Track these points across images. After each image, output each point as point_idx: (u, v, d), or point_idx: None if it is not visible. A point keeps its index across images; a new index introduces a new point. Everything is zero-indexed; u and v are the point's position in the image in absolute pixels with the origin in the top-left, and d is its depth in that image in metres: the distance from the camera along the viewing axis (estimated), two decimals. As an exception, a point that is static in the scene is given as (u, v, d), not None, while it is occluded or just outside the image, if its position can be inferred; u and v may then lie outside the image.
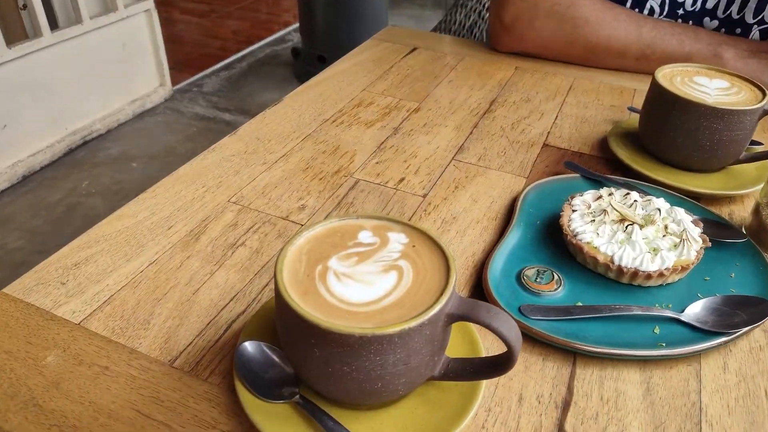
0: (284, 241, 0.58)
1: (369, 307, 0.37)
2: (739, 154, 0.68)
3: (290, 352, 0.40)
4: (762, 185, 0.64)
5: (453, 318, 0.38)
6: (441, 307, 0.37)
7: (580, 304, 0.51)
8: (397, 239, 0.43)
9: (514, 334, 0.37)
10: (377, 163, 0.71)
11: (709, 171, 0.70)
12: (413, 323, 0.35)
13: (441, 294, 0.37)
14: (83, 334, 0.47)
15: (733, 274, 0.55)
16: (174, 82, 2.93)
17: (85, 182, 2.31)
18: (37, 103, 2.31)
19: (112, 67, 2.59)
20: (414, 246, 0.42)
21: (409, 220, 0.61)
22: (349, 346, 0.35)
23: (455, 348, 0.44)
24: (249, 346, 0.43)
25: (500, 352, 0.40)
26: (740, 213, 0.66)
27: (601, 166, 0.73)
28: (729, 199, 0.67)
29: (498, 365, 0.39)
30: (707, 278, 0.54)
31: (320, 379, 0.38)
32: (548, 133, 0.79)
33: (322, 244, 0.42)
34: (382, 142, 0.76)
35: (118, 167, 2.41)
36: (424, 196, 0.66)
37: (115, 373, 0.44)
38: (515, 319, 0.48)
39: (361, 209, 0.63)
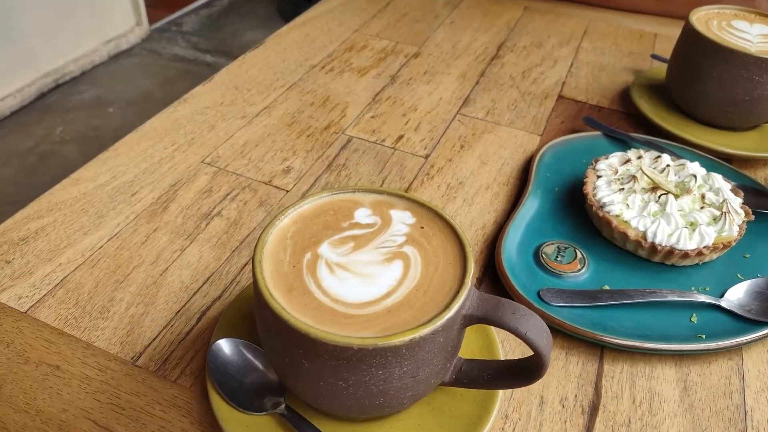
0: (267, 211, 0.50)
1: (369, 308, 0.30)
2: (779, 110, 0.61)
3: (274, 360, 0.33)
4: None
5: (472, 320, 0.31)
6: (457, 309, 0.30)
7: (606, 287, 0.44)
8: (402, 219, 0.35)
9: (545, 341, 0.31)
10: (372, 117, 0.63)
11: (743, 129, 0.63)
12: (424, 331, 0.28)
13: (457, 291, 0.31)
14: (30, 325, 0.40)
15: (776, 251, 0.49)
16: (151, 21, 2.75)
17: (59, 129, 2.18)
18: (4, 44, 2.15)
19: (85, 4, 2.41)
20: (422, 228, 0.35)
21: (410, 187, 0.54)
22: (346, 359, 0.28)
23: (467, 345, 0.38)
24: (225, 345, 0.36)
25: (523, 353, 0.34)
26: (778, 177, 0.59)
27: (622, 121, 0.65)
28: (764, 162, 0.60)
29: (523, 373, 0.33)
30: (747, 255, 0.48)
31: (310, 393, 0.32)
32: (563, 83, 0.71)
33: (310, 225, 0.35)
34: (378, 93, 0.67)
35: (94, 112, 2.28)
36: (426, 156, 0.58)
37: (67, 373, 0.38)
38: (538, 310, 0.41)
39: (355, 173, 0.55)
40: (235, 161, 0.56)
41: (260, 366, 0.36)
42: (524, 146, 0.60)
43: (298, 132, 0.60)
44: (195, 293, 0.43)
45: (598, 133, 0.60)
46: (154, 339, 0.40)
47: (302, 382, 0.31)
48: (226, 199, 0.51)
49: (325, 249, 0.33)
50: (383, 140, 0.60)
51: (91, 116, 2.30)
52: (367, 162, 0.57)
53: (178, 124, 0.60)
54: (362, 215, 0.36)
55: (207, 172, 0.54)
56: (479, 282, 0.46)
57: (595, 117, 0.65)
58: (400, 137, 0.60)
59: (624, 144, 0.59)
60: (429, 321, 0.29)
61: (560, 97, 0.68)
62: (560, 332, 0.41)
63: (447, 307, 0.30)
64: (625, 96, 0.69)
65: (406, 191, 0.52)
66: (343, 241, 0.34)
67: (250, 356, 0.36)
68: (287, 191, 0.53)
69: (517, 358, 0.34)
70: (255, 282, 0.31)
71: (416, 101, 0.66)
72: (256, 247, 0.32)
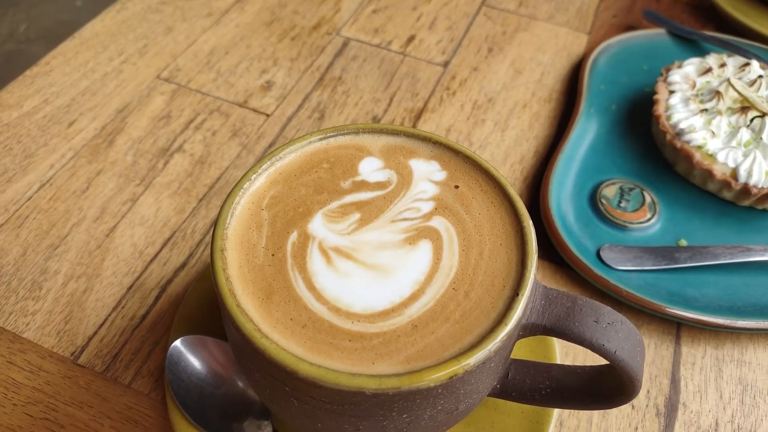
0: (243, 143, 0.39)
1: (387, 321, 0.20)
2: None
3: (254, 387, 0.24)
4: None
5: (535, 330, 0.22)
6: (517, 320, 0.20)
7: (684, 242, 0.35)
8: (427, 173, 0.25)
9: (639, 361, 0.21)
10: (374, 12, 0.50)
11: (842, 21, 0.50)
12: (471, 360, 0.19)
13: (516, 290, 0.21)
14: (-63, 309, 0.31)
15: None
16: None
17: (23, 26, 1.98)
18: (-55, -77, 1.88)
19: None
20: (456, 187, 0.24)
21: (426, 107, 0.42)
22: (355, 404, 0.19)
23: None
24: (187, 346, 0.27)
25: (597, 359, 0.25)
26: None
27: (686, 16, 0.52)
28: None
29: (598, 392, 0.24)
30: None
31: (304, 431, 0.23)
32: (612, -37, 0.56)
33: (296, 186, 0.24)
34: (380, -20, 0.53)
35: (60, 5, 2.06)
36: (445, 64, 0.46)
37: (-14, 378, 0.29)
38: (598, 278, 0.32)
39: (354, 88, 0.43)
40: (199, 75, 0.43)
41: (236, 377, 0.27)
42: (568, 48, 0.48)
43: (280, 33, 0.47)
44: (152, 260, 0.33)
45: (661, 30, 0.48)
46: (101, 326, 0.30)
47: (293, 419, 0.22)
48: (190, 127, 0.40)
49: (318, 225, 0.23)
50: (389, 43, 0.47)
51: (58, 10, 2.08)
52: (370, 73, 0.44)
53: (127, 26, 0.47)
54: (370, 169, 0.25)
55: (164, 90, 0.42)
56: (518, 236, 0.36)
57: (654, 9, 0.52)
58: (411, 39, 0.47)
59: (695, 46, 0.47)
60: (477, 344, 0.19)
61: (610, -18, 0.54)
62: (625, 304, 0.32)
63: (502, 319, 0.20)
64: (692, -21, 0.55)
65: (421, 111, 0.41)
66: (344, 212, 0.23)
67: (222, 360, 0.27)
68: (268, 115, 0.41)
69: (585, 364, 0.25)
70: (215, 283, 0.20)
71: (429, -10, 0.52)
72: (215, 226, 0.22)
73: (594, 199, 0.36)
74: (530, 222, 0.23)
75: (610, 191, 0.36)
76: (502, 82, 0.44)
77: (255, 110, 0.41)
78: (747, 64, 0.41)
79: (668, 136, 0.36)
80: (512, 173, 0.39)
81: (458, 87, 0.44)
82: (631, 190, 0.36)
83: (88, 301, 0.31)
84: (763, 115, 0.36)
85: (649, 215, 0.35)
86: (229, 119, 0.41)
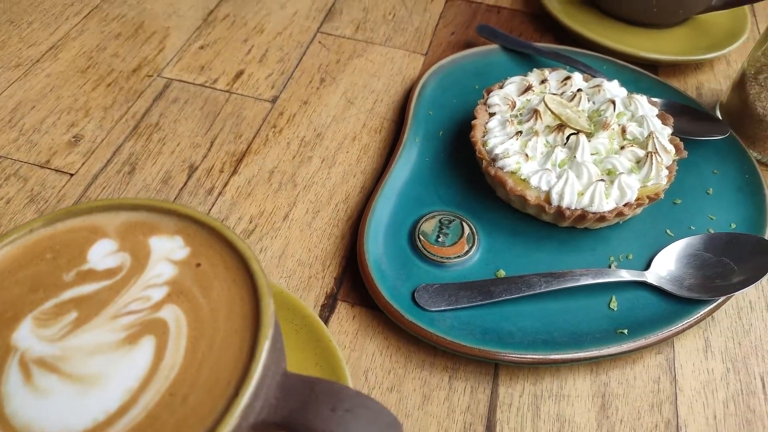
0: (39, 210, 0.36)
1: (83, 446, 0.18)
2: (711, -2, 0.49)
3: None
4: (745, 46, 0.46)
5: (269, 428, 0.20)
6: (235, 425, 0.18)
7: (502, 272, 0.34)
8: (167, 252, 0.22)
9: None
10: (201, 48, 0.47)
11: (670, 25, 0.51)
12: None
13: (238, 387, 0.19)
14: None
15: (710, 190, 0.39)
16: None
17: None
18: None
19: None
20: (198, 265, 0.22)
21: (249, 148, 0.40)
22: None
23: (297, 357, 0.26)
24: None
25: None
26: (711, 84, 0.48)
27: (525, 26, 0.52)
28: (695, 66, 0.49)
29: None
30: (678, 201, 0.38)
31: None
32: (454, -22, 0.56)
33: (8, 286, 0.21)
34: (211, 12, 0.50)
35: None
36: (274, 100, 0.43)
37: None
38: (409, 323, 0.30)
39: (172, 135, 0.41)
40: (-3, 136, 0.40)
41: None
42: (403, 72, 0.46)
43: (95, 80, 0.44)
44: None
45: (495, 46, 0.47)
46: None
47: None
48: (-22, 198, 0.36)
49: (25, 332, 0.20)
50: (215, 81, 0.44)
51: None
52: (191, 116, 0.42)
53: None
54: (102, 254, 0.22)
55: (-47, 157, 0.38)
56: (337, 284, 0.34)
57: (492, 23, 0.51)
58: (239, 74, 0.45)
59: (528, 60, 0.47)
60: (179, 464, 0.17)
61: (450, -3, 0.54)
62: (443, 350, 0.31)
63: (216, 426, 0.18)
64: (530, -10, 0.55)
65: (244, 154, 0.39)
66: (59, 312, 0.21)
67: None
68: (72, 175, 0.38)
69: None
70: None
71: (263, 19, 0.50)
72: None
73: (413, 236, 0.35)
74: (269, 301, 0.21)
75: (429, 226, 0.35)
76: (332, 115, 0.43)
77: (57, 170, 0.38)
78: (569, 78, 0.40)
79: (484, 163, 0.36)
80: (336, 214, 0.37)
81: (286, 124, 0.42)
82: (450, 222, 0.35)
83: None
84: (578, 132, 0.36)
85: (467, 247, 0.34)
86: (27, 183, 0.37)
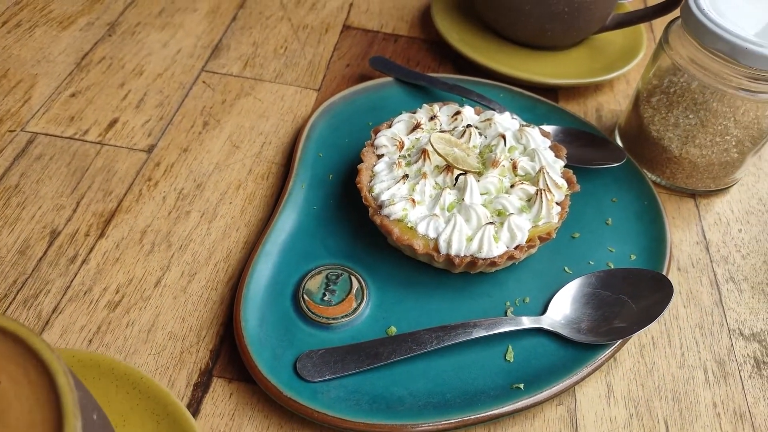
0: None
1: None
2: (605, 18, 0.48)
3: None
4: (642, 63, 0.46)
5: None
6: None
7: (394, 330, 0.31)
8: (-43, 369, 0.19)
9: None
10: (73, 96, 0.43)
11: (566, 47, 0.50)
12: None
13: None
14: None
15: (609, 221, 0.38)
16: None
17: None
18: None
19: None
20: (-5, 383, 0.19)
21: (120, 207, 0.36)
22: None
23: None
24: None
25: None
26: (610, 105, 0.48)
27: (423, 54, 0.50)
28: (595, 88, 0.49)
29: None
30: (576, 235, 0.37)
31: None
32: (350, 5, 0.54)
33: None
34: (86, 54, 0.47)
35: None
36: (150, 149, 0.40)
37: None
38: (289, 401, 0.27)
39: (33, 198, 0.37)
40: None
41: None
42: (295, 110, 0.44)
43: (-55, 140, 0.39)
44: None
45: (389, 79, 0.45)
46: None
47: None
48: None
49: None
50: (85, 132, 0.41)
51: None
52: (56, 174, 0.38)
53: None
54: None
55: None
56: (213, 358, 0.31)
57: (389, 52, 0.50)
58: (113, 123, 0.41)
59: (424, 93, 0.45)
60: None
61: (346, 27, 0.52)
62: (327, 427, 0.28)
63: None
64: (426, 18, 0.53)
65: (113, 213, 0.35)
66: None
67: None
68: None
69: None
70: None
71: (143, 60, 0.46)
72: None
73: (297, 296, 0.32)
74: (76, 424, 0.17)
75: (314, 283, 0.32)
76: (215, 162, 0.40)
77: None
78: (459, 112, 0.39)
79: (371, 211, 0.33)
80: (215, 275, 0.34)
81: (162, 175, 0.38)
82: (338, 277, 0.33)
83: None
84: (466, 172, 0.34)
85: (355, 304, 0.32)
86: None
